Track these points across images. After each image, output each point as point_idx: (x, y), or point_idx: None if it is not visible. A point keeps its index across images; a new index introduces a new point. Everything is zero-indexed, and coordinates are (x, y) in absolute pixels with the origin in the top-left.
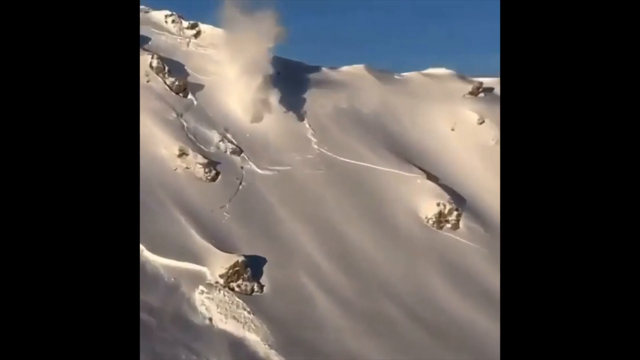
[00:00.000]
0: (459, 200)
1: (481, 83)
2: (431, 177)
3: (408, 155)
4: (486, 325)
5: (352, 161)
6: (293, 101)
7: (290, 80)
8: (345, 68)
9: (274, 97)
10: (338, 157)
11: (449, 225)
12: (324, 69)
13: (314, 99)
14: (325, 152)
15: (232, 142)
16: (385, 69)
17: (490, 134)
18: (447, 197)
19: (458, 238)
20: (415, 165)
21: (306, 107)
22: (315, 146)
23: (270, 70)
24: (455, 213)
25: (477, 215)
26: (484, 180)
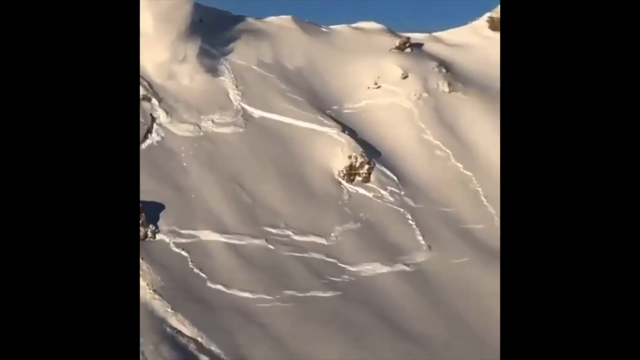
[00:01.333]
0: (373, 154)
1: (408, 38)
2: (348, 131)
3: (328, 109)
4: (387, 281)
5: (271, 117)
6: (214, 54)
7: (212, 30)
8: (271, 19)
9: (192, 49)
10: (258, 114)
11: (359, 179)
12: (249, 19)
13: (237, 51)
14: (245, 108)
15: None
16: (313, 21)
17: (412, 89)
18: (360, 150)
19: (365, 192)
20: (334, 119)
21: (228, 60)
22: (235, 102)
23: (190, 19)
24: (366, 166)
25: (391, 168)
26: (402, 134)
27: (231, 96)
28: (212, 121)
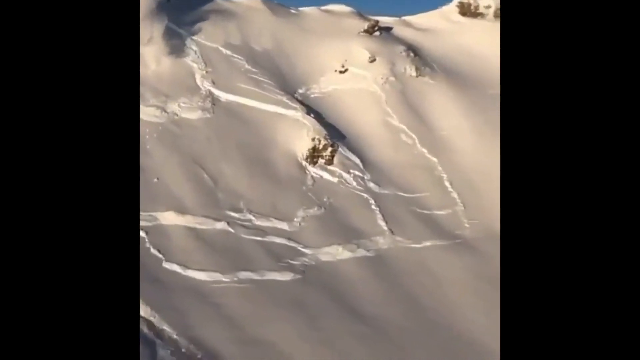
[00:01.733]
0: (338, 137)
1: (377, 22)
2: (314, 114)
3: (294, 91)
4: (347, 266)
5: (237, 100)
6: (180, 33)
7: (179, 9)
8: None
9: (158, 30)
10: (224, 97)
11: (322, 161)
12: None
13: (204, 31)
14: (212, 91)
15: None
16: (282, 2)
17: (380, 73)
18: (324, 132)
19: (329, 177)
20: (300, 102)
21: (195, 41)
22: (202, 85)
23: None
24: (330, 149)
25: (355, 152)
26: (368, 118)
27: (198, 79)
28: (179, 105)
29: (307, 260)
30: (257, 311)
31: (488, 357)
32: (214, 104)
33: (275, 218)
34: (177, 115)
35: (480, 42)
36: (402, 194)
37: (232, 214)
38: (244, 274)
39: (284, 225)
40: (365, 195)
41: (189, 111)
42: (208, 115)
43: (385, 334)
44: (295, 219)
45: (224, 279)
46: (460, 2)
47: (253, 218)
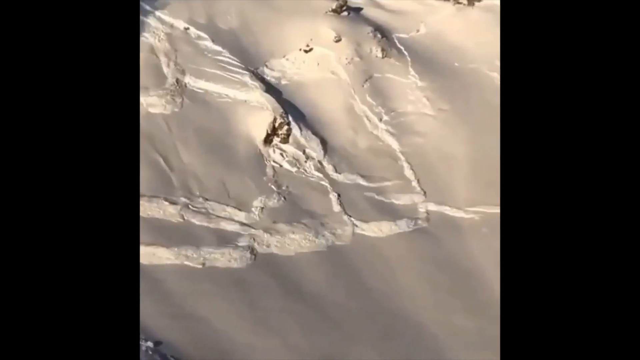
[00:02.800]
0: (298, 116)
1: (346, 1)
2: (274, 93)
3: (257, 70)
4: (297, 252)
5: (200, 83)
6: (144, 8)
7: None
8: None
9: None
10: (187, 79)
11: (278, 139)
12: None
13: (169, 8)
14: (175, 74)
15: None
16: None
17: (344, 53)
18: (281, 111)
19: (288, 166)
20: (261, 81)
21: (158, 17)
22: (165, 67)
23: None
24: (285, 127)
25: (313, 130)
26: (330, 99)
27: (162, 61)
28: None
29: (257, 244)
30: (197, 288)
31: (430, 340)
32: (175, 90)
33: (230, 205)
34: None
35: (451, 26)
36: (360, 178)
37: (186, 200)
38: (189, 254)
39: (238, 212)
40: (323, 182)
41: (149, 97)
42: (169, 97)
43: (325, 313)
44: (251, 206)
45: (167, 257)
46: None
47: (206, 203)
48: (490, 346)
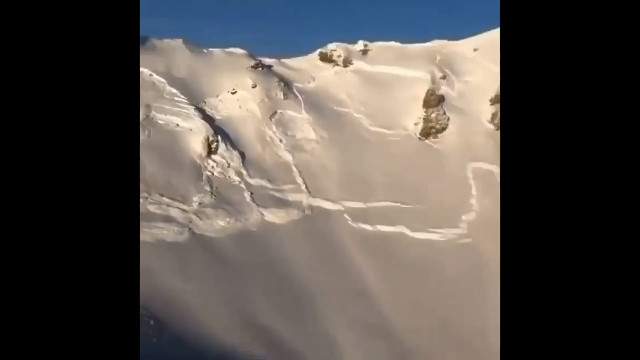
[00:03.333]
0: (224, 137)
1: (260, 61)
2: (209, 121)
3: (199, 105)
4: (226, 232)
5: (161, 117)
6: None
7: None
8: (167, 40)
9: None
10: (155, 120)
11: (211, 154)
12: (152, 38)
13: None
14: (147, 117)
15: None
16: (200, 44)
17: (258, 95)
18: (212, 132)
19: (219, 172)
20: (202, 113)
21: None
22: (140, 112)
23: None
24: (215, 143)
25: (235, 147)
26: (248, 127)
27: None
28: None
29: (193, 225)
30: (150, 253)
31: (306, 291)
32: (146, 122)
33: (177, 199)
34: None
35: (332, 81)
36: (266, 182)
37: (146, 195)
38: (146, 229)
39: (181, 204)
40: (242, 185)
41: None
42: (142, 133)
43: (233, 271)
44: (192, 200)
45: None
46: (320, 52)
47: (161, 198)
48: (344, 293)
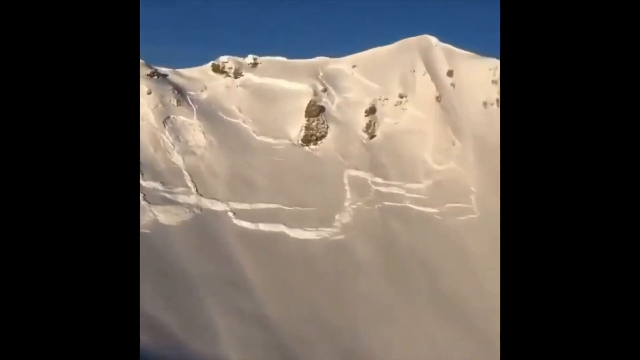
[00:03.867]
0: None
1: (156, 70)
2: None
3: None
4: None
5: None
6: None
7: None
8: None
9: None
10: None
11: None
12: None
13: None
14: None
15: None
16: None
17: (153, 101)
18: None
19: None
20: None
21: None
22: None
23: None
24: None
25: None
26: (143, 130)
27: None
28: None
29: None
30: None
31: (188, 280)
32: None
33: None
34: None
35: (223, 93)
36: (159, 184)
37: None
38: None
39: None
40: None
41: None
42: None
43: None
44: None
45: None
46: (213, 64)
47: None
48: (225, 285)
